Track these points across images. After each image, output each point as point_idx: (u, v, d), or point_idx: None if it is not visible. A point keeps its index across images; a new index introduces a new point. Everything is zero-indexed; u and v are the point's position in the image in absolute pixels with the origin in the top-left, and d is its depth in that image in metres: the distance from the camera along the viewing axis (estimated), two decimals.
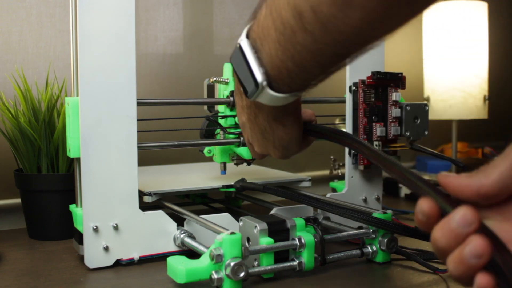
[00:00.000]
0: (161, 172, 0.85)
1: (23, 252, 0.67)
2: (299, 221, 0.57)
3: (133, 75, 0.60)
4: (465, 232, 0.30)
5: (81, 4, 0.57)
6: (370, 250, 0.61)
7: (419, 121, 0.73)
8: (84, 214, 0.59)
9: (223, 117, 0.70)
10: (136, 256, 0.61)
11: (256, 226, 0.55)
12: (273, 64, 0.43)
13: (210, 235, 0.62)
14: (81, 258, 0.61)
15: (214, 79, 0.70)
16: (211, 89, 0.74)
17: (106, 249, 0.60)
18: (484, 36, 1.23)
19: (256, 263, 0.55)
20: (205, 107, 0.76)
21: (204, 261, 0.51)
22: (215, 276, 0.50)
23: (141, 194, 0.65)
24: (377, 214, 0.61)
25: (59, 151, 0.74)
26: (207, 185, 0.70)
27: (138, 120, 0.61)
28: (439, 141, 1.38)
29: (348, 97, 0.75)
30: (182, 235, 0.62)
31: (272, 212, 0.66)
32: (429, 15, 1.26)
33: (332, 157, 0.99)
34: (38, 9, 0.89)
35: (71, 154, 0.60)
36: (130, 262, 0.61)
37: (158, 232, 0.62)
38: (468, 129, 1.43)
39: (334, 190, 0.80)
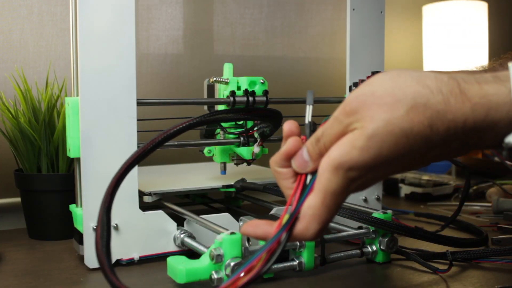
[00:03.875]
0: (161, 172, 0.85)
1: (23, 252, 0.67)
2: None
3: (133, 75, 0.60)
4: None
5: (81, 4, 0.57)
6: (370, 250, 0.61)
7: None
8: (84, 214, 0.59)
9: None
10: (136, 256, 0.61)
11: None
12: None
13: (210, 235, 0.62)
14: (81, 258, 0.61)
15: (214, 79, 0.70)
16: (211, 89, 0.74)
17: None
18: (484, 36, 1.23)
19: None
20: (205, 107, 0.76)
21: (204, 261, 0.51)
22: (215, 276, 0.50)
23: (141, 194, 0.65)
24: (377, 214, 0.61)
25: (59, 151, 0.74)
26: (207, 185, 0.70)
27: (138, 120, 0.61)
28: None
29: None
30: (182, 235, 0.62)
31: (272, 212, 0.66)
32: (429, 15, 1.26)
33: None
34: (40, 8, 0.89)
35: (71, 154, 0.60)
36: (130, 262, 0.61)
37: (158, 232, 0.62)
38: None
39: None
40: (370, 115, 0.34)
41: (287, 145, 0.39)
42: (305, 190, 0.37)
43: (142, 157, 0.45)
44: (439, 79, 0.34)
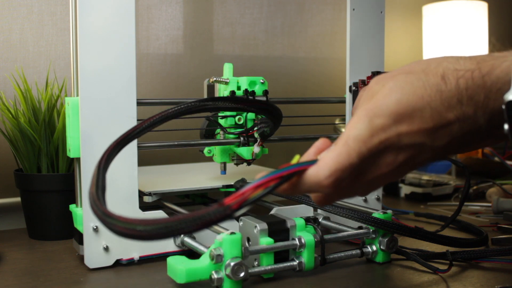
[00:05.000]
0: (161, 172, 0.85)
1: (23, 252, 0.67)
2: (299, 221, 0.57)
3: (133, 75, 0.60)
4: None
5: (81, 4, 0.57)
6: (370, 250, 0.61)
7: None
8: (84, 214, 0.59)
9: (223, 117, 0.70)
10: (136, 256, 0.61)
11: (256, 226, 0.55)
12: None
13: (210, 235, 0.62)
14: (81, 258, 0.61)
15: (214, 79, 0.70)
16: (211, 89, 0.74)
17: (106, 249, 0.60)
18: (484, 36, 1.23)
19: (256, 263, 0.55)
20: None
21: (204, 261, 0.51)
22: (215, 276, 0.50)
23: (141, 194, 0.65)
24: (377, 214, 0.61)
25: (59, 151, 0.74)
26: (207, 185, 0.70)
27: (138, 120, 0.61)
28: None
29: (348, 97, 0.75)
30: (182, 235, 0.62)
31: (272, 212, 0.66)
32: (429, 15, 1.26)
33: None
34: (40, 7, 0.89)
35: (71, 154, 0.60)
36: (130, 262, 0.61)
37: None
38: None
39: None
40: (390, 79, 0.38)
41: (317, 142, 0.41)
42: None
43: (141, 131, 0.45)
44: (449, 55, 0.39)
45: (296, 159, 0.37)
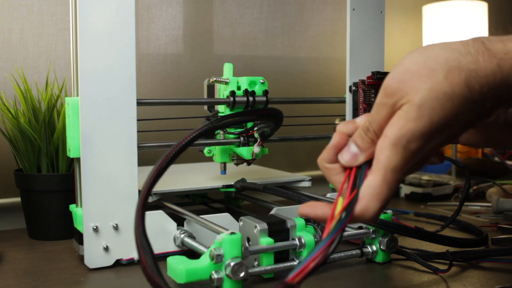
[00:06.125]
0: None
1: (23, 252, 0.67)
2: (299, 221, 0.57)
3: (133, 75, 0.60)
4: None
5: (81, 4, 0.57)
6: (370, 250, 0.61)
7: None
8: (84, 214, 0.59)
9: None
10: (136, 256, 0.61)
11: (256, 226, 0.55)
12: None
13: (210, 235, 0.62)
14: (81, 258, 0.61)
15: (214, 79, 0.70)
16: (211, 89, 0.74)
17: (106, 249, 0.60)
18: None
19: (256, 263, 0.55)
20: (205, 107, 0.76)
21: (204, 261, 0.51)
22: (215, 276, 0.50)
23: None
24: None
25: (59, 151, 0.74)
26: (207, 185, 0.70)
27: (138, 120, 0.61)
28: None
29: (348, 97, 0.75)
30: (182, 235, 0.62)
31: (272, 212, 0.66)
32: (429, 15, 1.26)
33: None
34: (40, 7, 0.89)
35: (71, 154, 0.60)
36: (130, 262, 0.61)
37: (158, 232, 0.62)
38: None
39: (334, 190, 0.80)
40: (413, 89, 0.36)
41: (333, 139, 0.41)
42: (360, 175, 0.37)
43: (159, 174, 0.45)
44: (464, 42, 0.37)
45: (340, 203, 0.36)
